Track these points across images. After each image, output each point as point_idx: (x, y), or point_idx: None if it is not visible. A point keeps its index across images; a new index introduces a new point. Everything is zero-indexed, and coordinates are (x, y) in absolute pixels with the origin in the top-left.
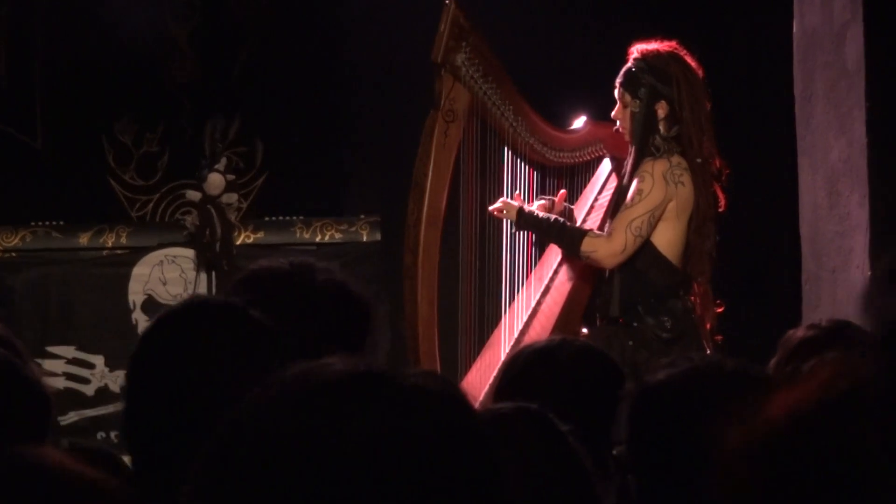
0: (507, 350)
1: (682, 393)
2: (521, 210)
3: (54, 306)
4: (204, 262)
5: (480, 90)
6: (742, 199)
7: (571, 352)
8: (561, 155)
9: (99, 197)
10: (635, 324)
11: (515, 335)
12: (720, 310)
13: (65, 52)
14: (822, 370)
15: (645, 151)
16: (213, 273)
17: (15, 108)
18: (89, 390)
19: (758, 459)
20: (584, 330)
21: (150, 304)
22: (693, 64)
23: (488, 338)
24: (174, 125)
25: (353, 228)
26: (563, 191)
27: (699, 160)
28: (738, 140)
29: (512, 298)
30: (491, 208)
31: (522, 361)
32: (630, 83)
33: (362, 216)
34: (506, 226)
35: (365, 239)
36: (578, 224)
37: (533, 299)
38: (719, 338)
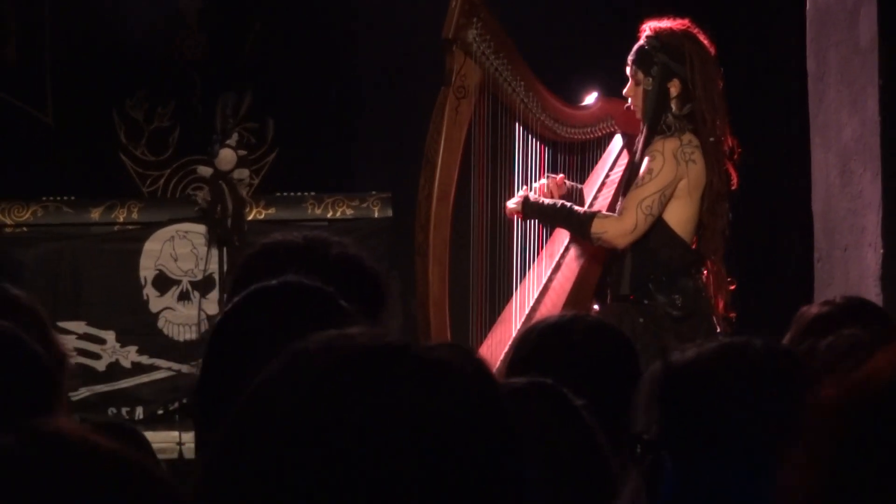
0: (519, 326)
1: (716, 370)
2: (525, 199)
3: (65, 281)
4: (215, 238)
5: (491, 66)
6: (755, 177)
7: (584, 327)
8: (572, 131)
9: (110, 172)
10: (646, 301)
11: (527, 311)
12: (733, 287)
13: (76, 27)
14: None
15: (656, 129)
16: (225, 249)
17: (26, 83)
18: (100, 366)
19: (860, 414)
20: (596, 307)
21: (161, 280)
22: (706, 42)
23: (499, 314)
24: (185, 101)
25: (365, 204)
26: (561, 175)
27: (712, 139)
28: (751, 118)
29: (523, 275)
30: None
31: (535, 336)
32: (643, 61)
33: (374, 192)
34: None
35: (376, 215)
36: (589, 201)
37: (544, 276)
38: (733, 315)
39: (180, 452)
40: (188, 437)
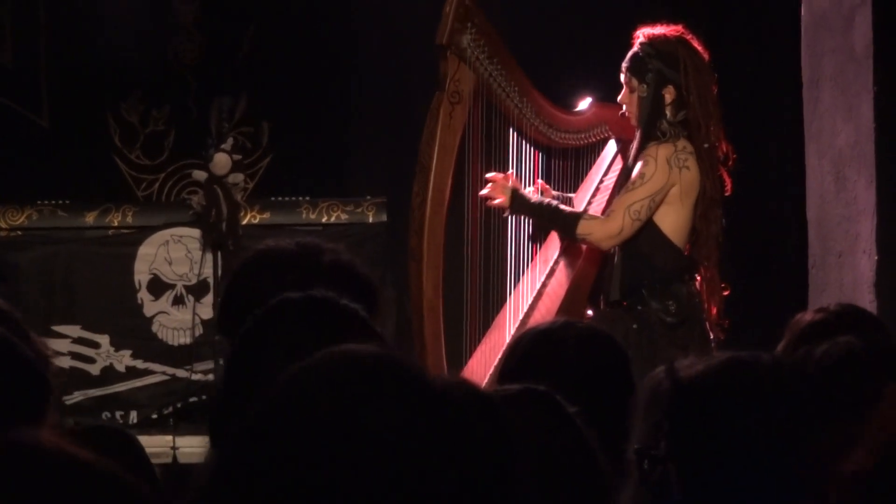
0: (513, 332)
1: (726, 386)
2: (514, 193)
3: (60, 285)
4: (210, 242)
5: (486, 71)
6: (749, 183)
7: (576, 333)
8: (566, 136)
9: (105, 176)
10: (640, 307)
11: (521, 317)
12: (727, 294)
13: (71, 31)
14: None
15: (651, 136)
16: (219, 253)
17: (22, 86)
18: (94, 370)
19: (880, 481)
20: (589, 312)
21: (155, 284)
22: (700, 48)
23: (493, 319)
24: (180, 105)
25: (359, 209)
26: (540, 181)
27: (706, 145)
28: (746, 124)
29: (517, 280)
30: (482, 193)
31: (526, 343)
32: (637, 68)
33: (368, 197)
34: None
35: (371, 220)
36: (583, 206)
37: (538, 281)
38: (726, 322)
39: (174, 457)
40: (182, 442)
